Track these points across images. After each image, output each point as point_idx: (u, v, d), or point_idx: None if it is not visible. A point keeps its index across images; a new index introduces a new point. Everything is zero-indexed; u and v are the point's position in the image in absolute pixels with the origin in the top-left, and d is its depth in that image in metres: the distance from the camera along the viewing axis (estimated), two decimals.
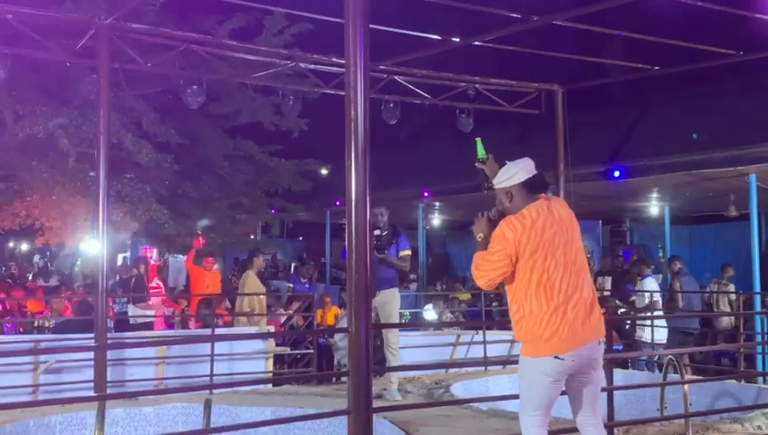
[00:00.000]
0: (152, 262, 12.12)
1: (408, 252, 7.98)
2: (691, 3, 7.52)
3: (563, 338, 4.08)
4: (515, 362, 4.35)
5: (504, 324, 12.13)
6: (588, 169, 12.40)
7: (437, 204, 17.85)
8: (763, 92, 11.80)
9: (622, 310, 12.10)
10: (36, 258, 26.84)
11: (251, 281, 10.96)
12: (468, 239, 19.71)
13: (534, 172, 4.31)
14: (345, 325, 4.61)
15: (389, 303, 7.75)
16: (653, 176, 12.60)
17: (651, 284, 12.01)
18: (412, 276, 16.91)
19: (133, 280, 11.58)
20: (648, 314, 11.39)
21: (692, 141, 12.05)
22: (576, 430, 4.46)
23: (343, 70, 4.57)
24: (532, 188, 4.27)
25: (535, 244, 4.12)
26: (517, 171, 4.28)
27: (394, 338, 7.80)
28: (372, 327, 7.55)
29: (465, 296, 14.72)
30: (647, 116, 13.88)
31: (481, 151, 4.59)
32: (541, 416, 4.20)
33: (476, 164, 4.61)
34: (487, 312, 11.92)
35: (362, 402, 4.38)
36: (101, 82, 7.51)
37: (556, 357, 4.08)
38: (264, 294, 11.27)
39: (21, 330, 10.88)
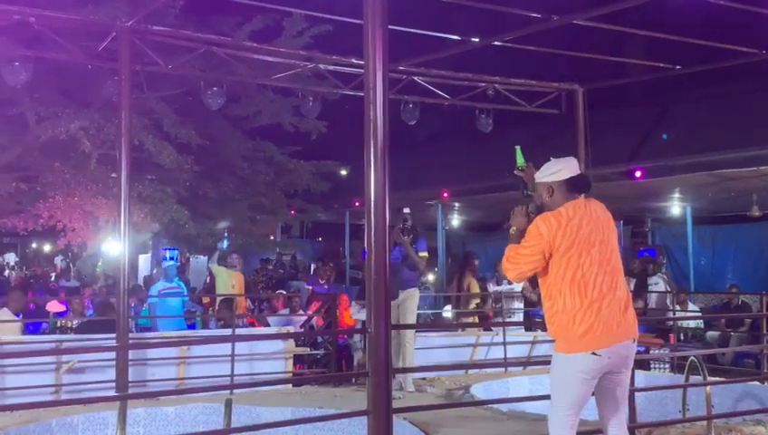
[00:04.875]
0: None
1: (425, 254, 8.39)
2: (713, 2, 7.46)
3: (598, 334, 4.06)
4: (536, 364, 4.35)
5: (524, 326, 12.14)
6: (609, 169, 12.32)
7: (456, 204, 17.81)
8: None
9: None
10: (58, 260, 27.09)
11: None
12: (488, 240, 19.73)
13: (578, 172, 4.34)
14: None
15: (408, 299, 8.20)
16: (675, 176, 12.49)
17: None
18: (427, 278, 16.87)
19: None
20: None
21: (713, 141, 11.92)
22: (600, 430, 4.44)
23: (362, 71, 4.56)
24: (574, 187, 4.29)
25: (570, 240, 4.13)
26: (561, 168, 4.31)
27: (409, 338, 8.17)
28: (403, 327, 8.00)
29: None
30: (668, 116, 13.78)
31: (520, 159, 4.66)
32: (572, 416, 4.16)
33: (516, 172, 4.68)
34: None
35: (382, 403, 4.37)
36: (123, 84, 7.56)
37: (593, 353, 4.05)
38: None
39: (46, 330, 10.97)
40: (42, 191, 12.48)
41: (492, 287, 12.44)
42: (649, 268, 13.27)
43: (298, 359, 10.40)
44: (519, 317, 12.17)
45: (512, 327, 10.97)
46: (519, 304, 12.22)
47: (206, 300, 13.30)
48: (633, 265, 14.97)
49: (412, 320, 8.42)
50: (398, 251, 8.13)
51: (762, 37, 8.85)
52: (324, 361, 10.81)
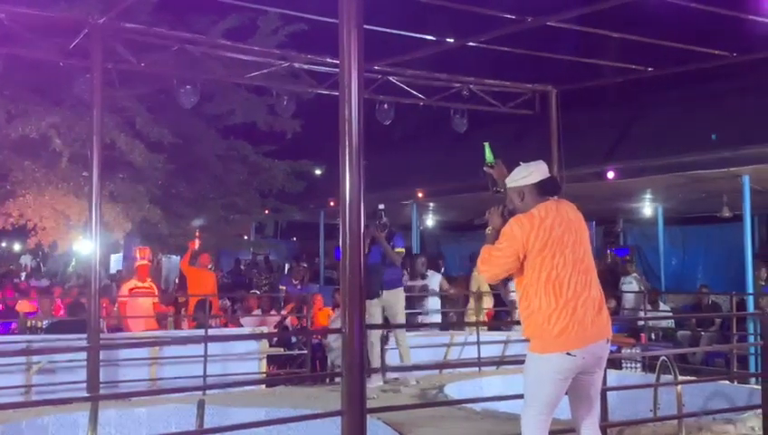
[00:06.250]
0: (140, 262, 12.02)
1: (402, 250, 8.61)
2: (685, 4, 7.53)
3: (572, 335, 4.09)
4: (509, 363, 4.36)
5: (497, 325, 12.19)
6: (582, 169, 12.40)
7: (431, 204, 17.84)
8: (756, 94, 11.83)
9: None
10: (28, 259, 26.74)
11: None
12: (462, 240, 19.82)
13: (548, 175, 4.39)
14: (339, 326, 4.60)
15: (396, 303, 8.47)
16: (646, 177, 12.62)
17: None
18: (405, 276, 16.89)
19: None
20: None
21: (685, 143, 12.04)
22: (573, 430, 4.46)
23: (337, 70, 4.56)
24: (545, 190, 4.34)
25: (543, 241, 4.16)
26: (531, 172, 4.36)
27: (402, 336, 8.56)
28: (378, 327, 8.12)
29: None
30: (640, 117, 13.90)
31: (489, 156, 4.68)
32: (545, 415, 4.18)
33: (484, 168, 4.69)
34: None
35: (356, 403, 4.37)
36: (95, 82, 7.50)
37: (567, 353, 4.08)
38: None
39: (15, 330, 10.83)
40: (12, 190, 12.30)
41: (408, 283, 12.40)
42: (629, 270, 13.43)
43: (272, 359, 10.37)
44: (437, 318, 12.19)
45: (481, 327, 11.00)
46: (435, 304, 12.21)
47: (182, 299, 13.20)
48: (610, 263, 15.14)
49: (402, 320, 8.67)
50: (377, 251, 8.21)
51: (733, 40, 8.96)
52: (299, 361, 10.79)
